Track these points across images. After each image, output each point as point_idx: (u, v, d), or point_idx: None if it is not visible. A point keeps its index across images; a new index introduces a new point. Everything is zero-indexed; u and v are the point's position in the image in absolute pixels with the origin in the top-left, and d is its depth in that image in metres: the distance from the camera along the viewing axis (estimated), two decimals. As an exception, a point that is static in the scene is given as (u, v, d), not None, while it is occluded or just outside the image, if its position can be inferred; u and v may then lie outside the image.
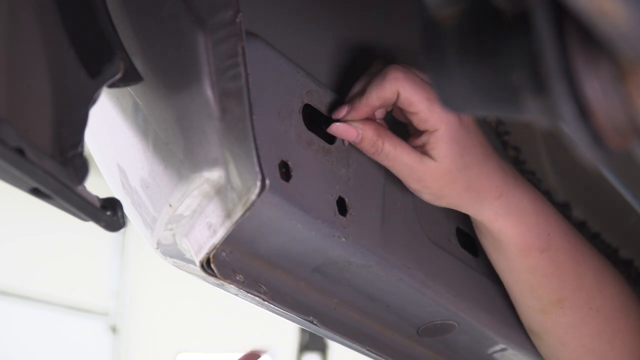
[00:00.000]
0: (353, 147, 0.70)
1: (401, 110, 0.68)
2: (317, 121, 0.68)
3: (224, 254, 0.65)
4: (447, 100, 0.44)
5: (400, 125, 0.70)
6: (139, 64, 0.57)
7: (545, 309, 0.76)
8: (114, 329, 3.69)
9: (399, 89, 0.65)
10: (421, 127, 0.67)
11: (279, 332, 3.43)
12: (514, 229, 0.72)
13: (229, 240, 0.61)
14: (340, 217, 0.67)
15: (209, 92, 0.57)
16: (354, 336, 0.74)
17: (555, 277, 0.74)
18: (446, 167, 0.67)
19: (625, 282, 0.80)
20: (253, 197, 0.54)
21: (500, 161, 0.72)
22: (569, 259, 0.74)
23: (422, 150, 0.67)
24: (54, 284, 3.48)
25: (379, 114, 0.69)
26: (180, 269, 0.69)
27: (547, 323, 0.77)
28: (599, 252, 0.78)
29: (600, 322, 0.76)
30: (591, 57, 0.34)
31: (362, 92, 0.66)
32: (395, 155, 0.67)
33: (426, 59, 0.43)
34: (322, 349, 3.84)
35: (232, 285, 0.65)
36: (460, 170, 0.68)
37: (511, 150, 0.95)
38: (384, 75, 0.65)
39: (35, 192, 0.47)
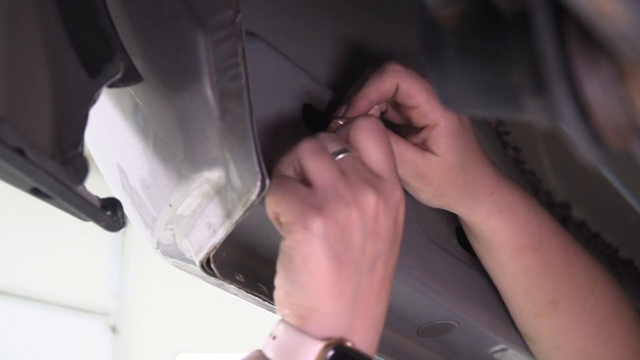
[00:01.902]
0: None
1: (397, 108, 0.68)
2: (317, 121, 0.68)
3: (224, 254, 0.65)
4: (448, 101, 0.44)
5: (392, 129, 0.70)
6: (139, 64, 0.57)
7: (539, 312, 0.75)
8: (114, 329, 3.69)
9: (399, 80, 0.64)
10: (421, 122, 0.66)
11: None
12: (507, 228, 0.71)
13: (229, 240, 0.61)
14: None
15: (209, 92, 0.57)
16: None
17: (548, 278, 0.74)
18: (448, 162, 0.66)
19: (615, 280, 0.79)
20: (253, 197, 0.54)
21: (490, 161, 0.71)
22: (561, 258, 0.74)
23: (423, 147, 0.67)
24: (54, 284, 3.48)
25: (374, 112, 0.68)
26: (180, 269, 0.69)
27: (542, 327, 0.77)
28: (588, 251, 0.78)
29: (594, 323, 0.76)
30: (591, 57, 0.34)
31: (359, 88, 0.66)
32: (398, 151, 0.65)
33: (426, 59, 0.43)
34: (322, 348, 3.81)
35: (232, 285, 0.65)
36: (461, 166, 0.67)
37: (511, 150, 0.95)
38: (383, 69, 0.65)
39: (35, 192, 0.47)
